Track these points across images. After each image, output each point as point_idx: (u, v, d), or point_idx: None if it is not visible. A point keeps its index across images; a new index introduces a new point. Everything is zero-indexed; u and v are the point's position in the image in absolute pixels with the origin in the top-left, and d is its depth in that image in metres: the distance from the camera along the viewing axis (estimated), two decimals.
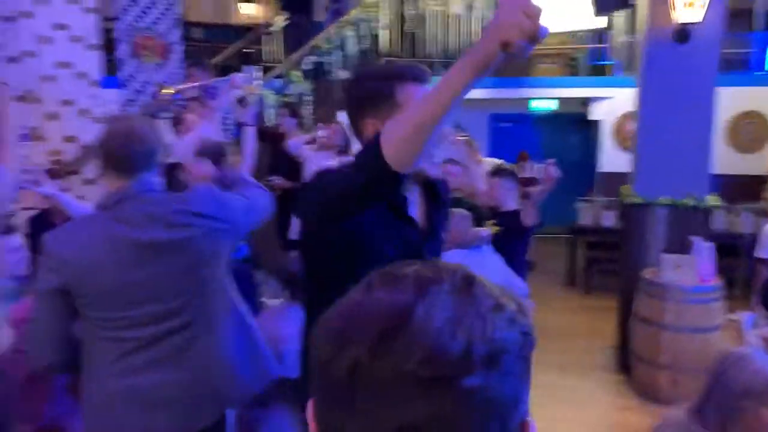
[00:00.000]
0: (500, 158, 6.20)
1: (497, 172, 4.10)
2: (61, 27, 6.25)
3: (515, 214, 3.77)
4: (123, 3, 6.57)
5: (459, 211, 3.32)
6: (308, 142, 5.10)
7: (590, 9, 4.50)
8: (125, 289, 1.77)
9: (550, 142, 10.01)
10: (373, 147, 1.24)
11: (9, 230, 2.33)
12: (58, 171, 5.64)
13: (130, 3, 6.62)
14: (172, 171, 3.51)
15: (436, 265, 0.65)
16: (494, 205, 3.88)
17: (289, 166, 5.07)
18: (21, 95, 6.15)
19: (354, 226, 1.44)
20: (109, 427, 1.81)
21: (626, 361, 4.62)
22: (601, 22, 6.52)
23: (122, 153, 1.79)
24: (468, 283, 0.62)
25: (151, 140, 1.84)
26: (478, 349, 0.56)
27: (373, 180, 1.27)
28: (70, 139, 6.35)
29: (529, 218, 3.73)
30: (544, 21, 1.06)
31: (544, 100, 9.00)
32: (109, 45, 6.69)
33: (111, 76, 6.61)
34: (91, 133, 6.42)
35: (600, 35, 8.09)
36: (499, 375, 0.57)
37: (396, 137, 1.22)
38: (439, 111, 1.16)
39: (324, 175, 1.50)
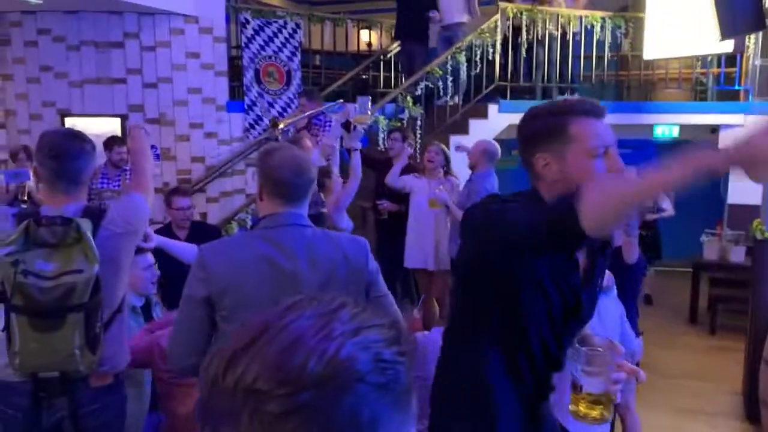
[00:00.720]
0: None
1: None
2: (194, 55, 6.73)
3: (617, 251, 3.58)
4: (249, 32, 6.96)
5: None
6: (404, 170, 5.08)
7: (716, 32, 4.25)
8: (259, 308, 1.83)
9: None
10: (569, 209, 1.26)
11: (140, 250, 2.53)
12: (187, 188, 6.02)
13: (256, 31, 7.01)
14: None
15: (320, 298, 0.67)
16: None
17: (393, 191, 5.13)
18: (156, 118, 6.66)
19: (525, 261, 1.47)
20: None
21: (754, 410, 4.24)
22: (729, 45, 6.14)
23: (291, 182, 1.90)
24: (336, 310, 0.64)
25: (312, 172, 1.97)
26: (314, 366, 0.57)
27: (561, 236, 1.31)
28: (197, 159, 6.78)
29: (630, 256, 3.54)
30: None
31: (667, 126, 8.56)
32: (235, 72, 7.11)
33: (236, 101, 7.01)
34: (215, 154, 6.83)
35: (731, 59, 7.61)
36: (339, 395, 0.57)
37: (599, 209, 1.24)
38: (647, 195, 1.22)
39: (505, 210, 1.51)
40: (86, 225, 2.02)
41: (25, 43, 6.51)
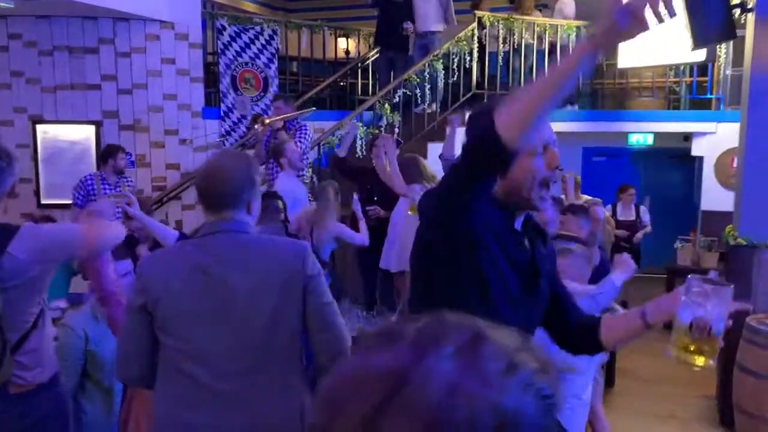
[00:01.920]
0: (595, 195, 6.02)
1: (570, 208, 3.97)
2: (169, 61, 6.67)
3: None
4: (226, 39, 6.92)
5: (580, 248, 3.14)
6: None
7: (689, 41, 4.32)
8: (190, 318, 1.82)
9: (648, 178, 9.62)
10: (485, 113, 1.30)
11: (119, 255, 2.52)
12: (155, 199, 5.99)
13: (233, 38, 6.97)
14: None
15: (443, 320, 0.58)
16: None
17: (384, 195, 5.12)
18: (131, 124, 6.59)
19: (467, 226, 1.46)
20: None
21: (727, 414, 4.29)
22: (702, 54, 6.25)
23: (211, 191, 1.89)
24: (475, 342, 0.55)
25: (240, 178, 1.90)
26: (484, 420, 0.50)
27: (482, 147, 1.32)
28: (172, 166, 6.72)
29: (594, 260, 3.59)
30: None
31: (642, 134, 8.69)
32: (211, 78, 7.06)
33: (212, 108, 6.96)
34: (191, 161, 6.77)
35: (703, 68, 7.75)
36: None
37: (509, 105, 1.27)
38: (548, 87, 1.24)
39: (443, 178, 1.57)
40: None
41: None
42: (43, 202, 6.41)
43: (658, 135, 8.52)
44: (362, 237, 4.51)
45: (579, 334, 1.78)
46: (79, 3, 5.76)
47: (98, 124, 6.50)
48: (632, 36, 1.21)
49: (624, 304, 7.31)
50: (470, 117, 1.56)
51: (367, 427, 0.51)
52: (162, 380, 1.87)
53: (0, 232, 2.03)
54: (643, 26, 1.19)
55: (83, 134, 6.47)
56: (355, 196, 4.83)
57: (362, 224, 4.61)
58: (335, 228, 4.38)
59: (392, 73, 7.20)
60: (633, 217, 6.99)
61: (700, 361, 1.44)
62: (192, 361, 1.81)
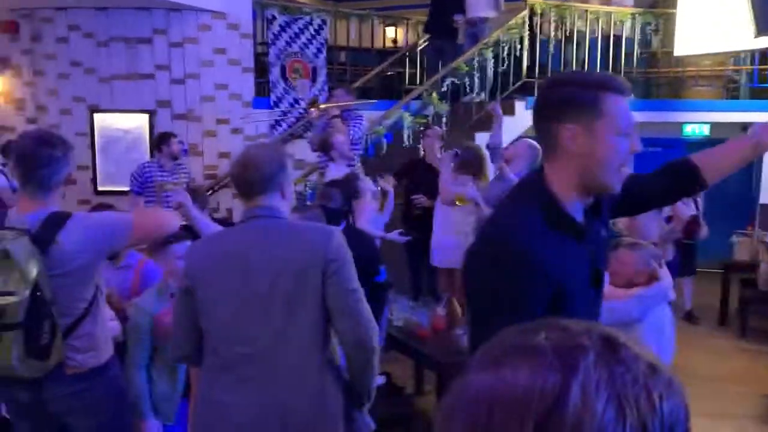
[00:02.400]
0: None
1: (621, 243, 3.86)
2: (221, 51, 6.77)
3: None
4: (276, 29, 6.98)
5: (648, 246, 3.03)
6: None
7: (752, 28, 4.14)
8: (221, 301, 1.91)
9: None
10: (690, 165, 1.50)
11: (177, 237, 2.63)
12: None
13: (282, 28, 7.03)
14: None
15: (565, 326, 0.55)
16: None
17: (429, 186, 5.11)
18: (184, 113, 6.72)
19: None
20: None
21: None
22: (765, 42, 6.01)
23: (242, 180, 1.98)
24: (612, 345, 0.52)
25: (268, 165, 1.97)
26: (654, 428, 0.48)
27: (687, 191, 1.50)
28: (224, 155, 6.83)
29: (666, 253, 3.50)
30: None
31: (698, 125, 8.42)
32: (261, 68, 7.14)
33: (262, 98, 7.04)
34: (241, 149, 6.86)
35: (765, 56, 7.45)
36: None
37: (714, 165, 1.50)
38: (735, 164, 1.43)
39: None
40: (17, 248, 2.00)
41: (56, 39, 6.61)
42: (99, 189, 6.61)
43: (715, 125, 8.24)
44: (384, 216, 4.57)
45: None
46: None
47: (152, 113, 6.66)
48: None
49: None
50: None
51: None
52: (204, 360, 1.97)
53: (52, 221, 2.10)
54: None
55: (137, 123, 6.63)
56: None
57: (388, 203, 4.66)
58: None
59: (441, 62, 7.15)
60: (694, 211, 6.69)
61: None
62: (223, 342, 1.91)
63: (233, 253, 1.92)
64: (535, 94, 5.65)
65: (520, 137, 5.45)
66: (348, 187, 3.77)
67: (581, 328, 0.54)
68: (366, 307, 1.94)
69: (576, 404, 0.48)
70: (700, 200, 6.82)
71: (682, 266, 6.04)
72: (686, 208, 3.63)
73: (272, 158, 2.00)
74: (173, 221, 2.37)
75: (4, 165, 5.43)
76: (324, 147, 4.92)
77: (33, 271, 2.01)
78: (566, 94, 1.47)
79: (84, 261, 2.13)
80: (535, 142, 4.84)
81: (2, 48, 6.83)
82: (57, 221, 2.11)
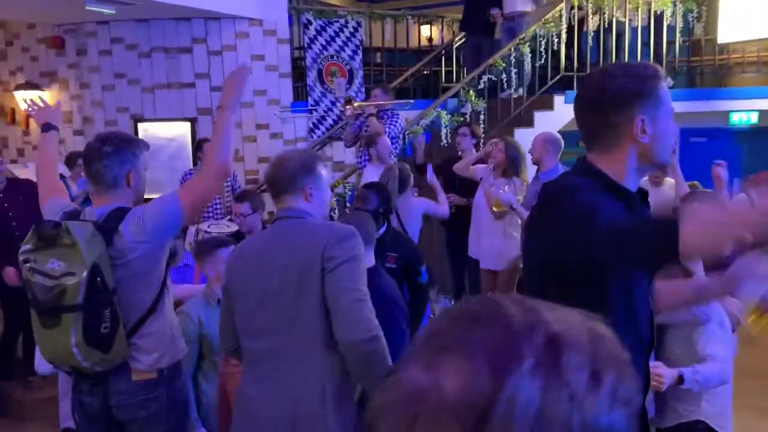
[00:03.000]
0: (694, 179, 5.71)
1: (693, 195, 3.76)
2: (259, 57, 6.86)
3: None
4: (312, 33, 7.04)
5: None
6: (475, 163, 5.08)
7: None
8: (245, 298, 2.03)
9: (753, 160, 9.04)
10: (670, 231, 1.29)
11: (224, 243, 2.71)
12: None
13: (318, 32, 7.09)
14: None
15: (506, 321, 0.51)
16: None
17: (463, 183, 5.09)
18: None
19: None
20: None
21: None
22: None
23: (270, 180, 2.11)
24: (554, 350, 0.49)
25: (293, 167, 2.05)
26: None
27: (657, 254, 1.36)
28: (264, 159, 6.92)
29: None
30: None
31: (745, 113, 8.16)
32: (298, 72, 7.21)
33: (300, 102, 7.11)
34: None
35: None
36: None
37: (700, 241, 1.31)
38: (743, 228, 1.24)
39: (569, 191, 1.51)
40: (78, 229, 2.07)
41: (100, 52, 6.81)
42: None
43: (763, 113, 7.98)
44: (443, 208, 4.60)
45: None
46: (173, 5, 6.03)
47: (193, 121, 6.79)
48: None
49: None
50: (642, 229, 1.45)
51: None
52: (241, 356, 2.11)
53: (116, 214, 2.18)
54: None
55: (180, 131, 6.78)
56: (429, 166, 4.83)
57: (441, 195, 4.64)
58: (419, 204, 4.42)
59: (479, 59, 7.10)
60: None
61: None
62: (247, 337, 2.03)
63: (255, 252, 2.06)
64: (577, 88, 5.56)
65: (560, 132, 5.37)
66: (385, 190, 3.77)
67: (526, 325, 0.50)
68: (364, 310, 1.91)
69: (499, 422, 0.46)
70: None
71: None
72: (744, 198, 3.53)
73: (298, 160, 2.08)
74: (216, 183, 2.34)
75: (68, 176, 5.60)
76: (369, 142, 4.94)
77: (93, 254, 2.06)
78: (626, 86, 1.49)
79: (144, 251, 2.17)
80: (549, 131, 4.81)
81: (50, 63, 7.06)
82: (120, 214, 2.18)
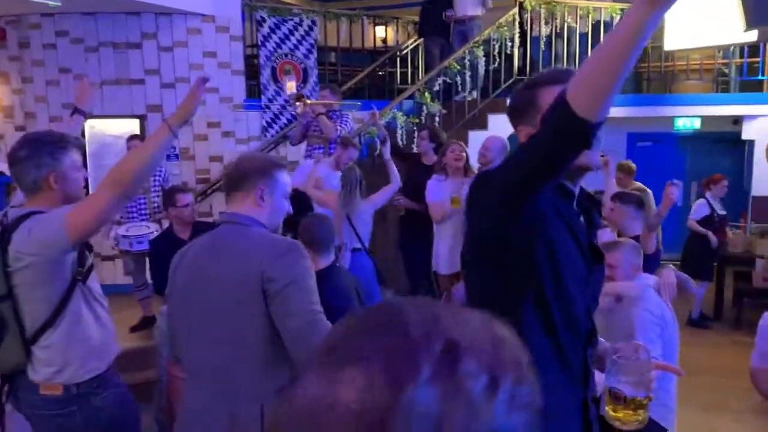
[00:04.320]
0: (640, 182, 5.87)
1: (619, 195, 3.89)
2: (211, 54, 6.74)
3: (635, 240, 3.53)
4: (265, 30, 6.96)
5: (628, 242, 3.03)
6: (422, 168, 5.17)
7: (741, 21, 4.15)
8: (184, 308, 1.98)
9: (696, 164, 9.36)
10: (557, 99, 1.25)
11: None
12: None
13: (272, 29, 7.00)
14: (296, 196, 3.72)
15: (404, 329, 0.50)
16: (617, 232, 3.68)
17: (415, 188, 5.09)
18: None
19: (531, 218, 1.43)
20: None
21: None
22: (753, 35, 6.03)
23: (225, 179, 2.04)
24: (451, 357, 0.48)
25: (249, 168, 1.98)
26: None
27: (561, 129, 1.25)
28: (215, 158, 6.80)
29: (648, 246, 3.50)
30: None
31: (689, 118, 8.45)
32: (252, 70, 7.11)
33: (253, 99, 7.01)
34: (233, 153, 6.85)
35: (754, 48, 7.48)
36: None
37: (579, 81, 1.22)
38: (618, 46, 1.14)
39: (491, 172, 1.52)
40: None
41: (44, 46, 6.56)
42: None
43: (705, 119, 8.27)
44: (393, 185, 4.70)
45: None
46: None
47: (143, 118, 6.62)
48: None
49: None
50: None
51: None
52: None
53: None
54: None
55: (128, 128, 6.59)
56: (387, 144, 4.84)
57: (392, 169, 4.76)
58: (368, 205, 4.48)
59: (433, 61, 7.15)
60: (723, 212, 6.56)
61: (637, 418, 1.45)
62: (187, 348, 1.96)
63: (195, 257, 1.96)
64: None
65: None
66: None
67: (424, 332, 0.49)
68: (317, 330, 1.78)
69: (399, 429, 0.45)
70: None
71: (699, 269, 6.04)
72: (675, 192, 3.71)
73: (258, 161, 2.00)
74: (110, 204, 2.03)
75: None
76: (344, 143, 4.95)
77: None
78: (514, 101, 1.66)
79: (29, 263, 2.06)
80: (503, 139, 4.91)
81: None
82: (23, 220, 2.09)
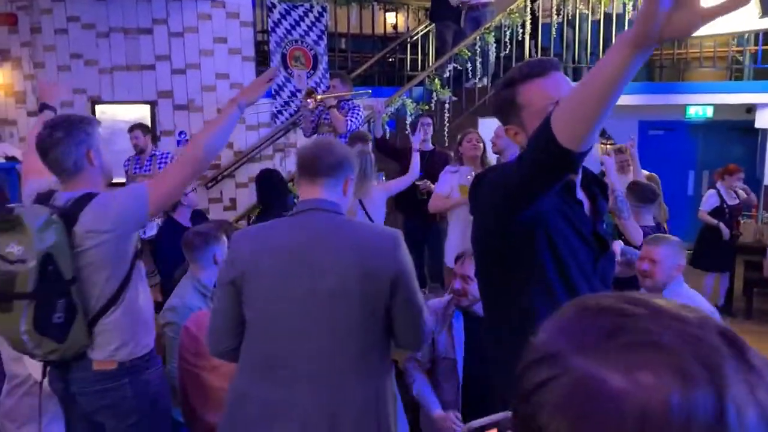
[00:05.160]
0: (651, 170, 5.83)
1: (631, 188, 3.87)
2: (221, 40, 6.74)
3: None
4: (276, 16, 6.94)
5: (674, 239, 2.95)
6: (431, 158, 5.12)
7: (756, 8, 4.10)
8: (274, 296, 1.83)
9: (708, 153, 9.28)
10: (543, 125, 1.25)
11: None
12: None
13: (282, 15, 6.99)
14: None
15: (682, 317, 0.47)
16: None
17: (428, 172, 5.08)
18: (185, 104, 6.70)
19: (531, 213, 1.44)
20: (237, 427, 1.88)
21: None
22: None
23: (312, 156, 1.92)
24: (737, 345, 0.45)
25: (340, 153, 1.92)
26: None
27: (545, 158, 1.26)
28: (226, 145, 6.81)
29: (634, 238, 3.48)
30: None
31: (701, 107, 8.37)
32: (262, 56, 7.11)
33: None
34: (243, 140, 6.86)
35: None
36: None
37: (563, 111, 1.22)
38: (602, 84, 1.13)
39: (493, 169, 1.57)
40: (31, 217, 2.00)
41: (55, 31, 6.58)
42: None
43: (718, 107, 8.20)
44: (411, 175, 4.55)
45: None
46: None
47: (153, 104, 6.64)
48: (686, 31, 1.01)
49: None
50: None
51: None
52: (244, 355, 1.89)
53: (81, 200, 2.10)
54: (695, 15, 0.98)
55: (139, 114, 6.61)
56: (419, 135, 4.79)
57: (415, 157, 4.61)
58: (382, 191, 4.40)
59: (444, 47, 7.11)
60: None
61: None
62: (273, 338, 1.83)
63: (291, 246, 1.83)
64: None
65: None
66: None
67: (696, 318, 0.46)
68: (425, 320, 1.90)
69: (734, 428, 0.42)
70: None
71: (711, 261, 6.02)
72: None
73: (346, 149, 1.98)
74: (193, 173, 2.18)
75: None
76: (356, 139, 4.88)
77: (44, 243, 1.98)
78: (495, 101, 1.65)
79: (103, 240, 2.09)
80: None
81: (2, 41, 6.81)
82: (85, 200, 2.10)
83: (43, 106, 2.68)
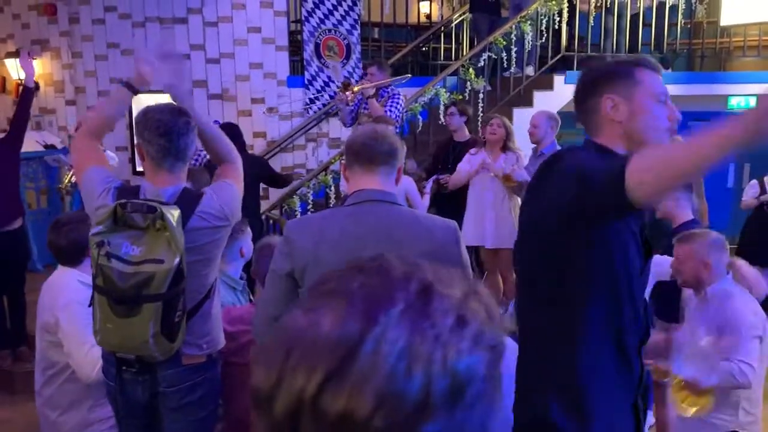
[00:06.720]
0: None
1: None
2: (255, 30, 6.75)
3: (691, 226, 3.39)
4: (309, 6, 6.92)
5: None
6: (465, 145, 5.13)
7: None
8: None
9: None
10: (617, 174, 1.22)
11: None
12: None
13: (316, 5, 6.96)
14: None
15: (386, 271, 0.56)
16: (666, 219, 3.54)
17: (454, 164, 5.03)
18: (219, 93, 6.74)
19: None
20: None
21: None
22: None
23: (365, 145, 1.88)
24: (425, 296, 0.53)
25: (392, 143, 1.89)
26: (439, 385, 0.49)
27: (605, 203, 1.27)
28: (259, 134, 6.84)
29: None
30: None
31: (744, 97, 8.12)
32: (295, 46, 7.10)
33: (296, 76, 7.00)
34: (276, 129, 6.87)
35: None
36: (463, 410, 0.50)
37: (645, 168, 1.19)
38: (698, 159, 1.12)
39: (560, 158, 1.52)
40: (173, 214, 1.94)
41: (93, 21, 6.66)
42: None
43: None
44: (423, 203, 4.59)
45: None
46: None
47: None
48: None
49: None
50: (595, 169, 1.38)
51: (317, 397, 0.49)
52: None
53: (189, 196, 2.11)
54: None
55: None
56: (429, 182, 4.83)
57: (426, 198, 4.66)
58: (405, 181, 4.35)
59: (480, 36, 7.02)
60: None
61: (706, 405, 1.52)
62: None
63: (352, 238, 1.79)
64: (575, 68, 5.54)
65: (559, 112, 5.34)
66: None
67: (403, 272, 0.55)
68: None
69: (367, 358, 0.49)
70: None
71: (758, 253, 5.84)
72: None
73: (395, 138, 1.94)
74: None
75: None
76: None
77: (182, 240, 1.95)
78: (603, 70, 1.63)
79: (216, 236, 2.11)
80: (550, 111, 4.96)
81: (41, 31, 6.92)
82: (191, 196, 2.09)
83: (129, 87, 2.55)
